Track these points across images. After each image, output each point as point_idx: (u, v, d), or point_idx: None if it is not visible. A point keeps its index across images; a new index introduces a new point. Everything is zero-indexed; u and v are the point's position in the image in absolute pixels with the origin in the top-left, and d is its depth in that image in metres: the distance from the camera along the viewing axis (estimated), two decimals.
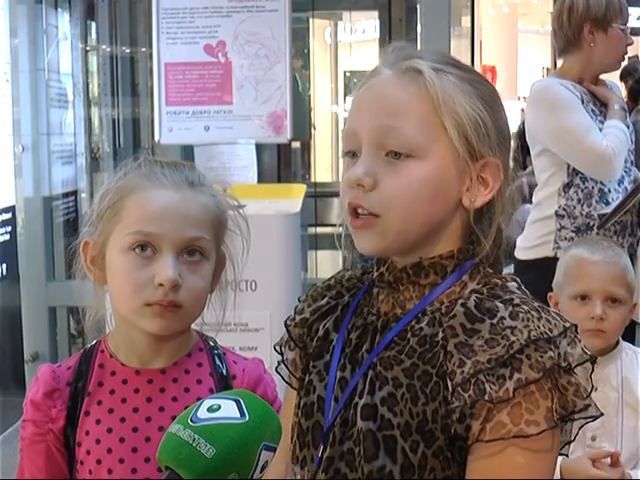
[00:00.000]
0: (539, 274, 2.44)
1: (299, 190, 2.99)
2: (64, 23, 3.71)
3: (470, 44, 4.80)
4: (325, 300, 1.24)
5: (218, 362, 1.47)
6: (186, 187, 1.41)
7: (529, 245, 3.07)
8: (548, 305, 2.14)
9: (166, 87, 3.11)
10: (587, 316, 2.14)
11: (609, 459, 2.04)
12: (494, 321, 1.07)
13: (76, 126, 3.80)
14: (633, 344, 2.36)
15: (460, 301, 1.11)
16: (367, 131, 1.13)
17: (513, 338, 1.05)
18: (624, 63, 3.21)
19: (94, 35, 4.17)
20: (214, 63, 3.08)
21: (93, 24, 4.13)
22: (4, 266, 3.71)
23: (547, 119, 2.98)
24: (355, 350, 1.17)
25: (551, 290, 2.26)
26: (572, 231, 2.96)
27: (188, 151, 3.19)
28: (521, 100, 8.87)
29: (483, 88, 1.16)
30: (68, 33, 3.73)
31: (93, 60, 4.21)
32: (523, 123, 3.33)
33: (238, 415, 1.14)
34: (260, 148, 3.22)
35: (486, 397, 1.04)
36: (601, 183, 2.97)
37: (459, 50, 4.52)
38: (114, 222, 1.40)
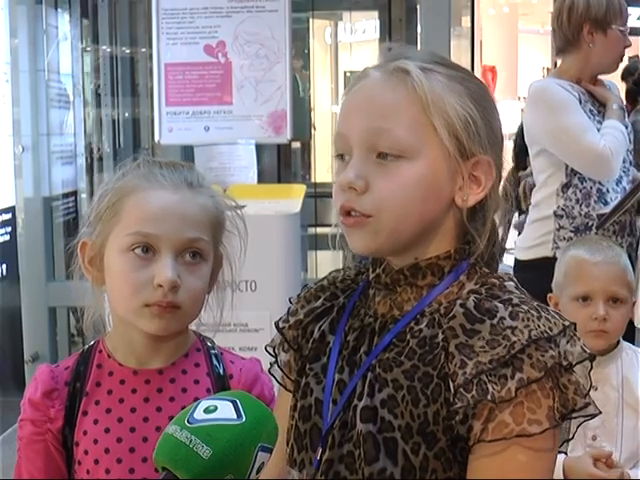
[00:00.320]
0: (538, 274, 2.44)
1: (299, 190, 2.99)
2: (64, 23, 3.71)
3: (470, 44, 4.80)
4: (320, 302, 1.24)
5: (215, 362, 1.48)
6: (185, 188, 1.41)
7: (528, 245, 3.07)
8: (548, 305, 2.15)
9: (166, 87, 3.11)
10: (589, 317, 2.14)
11: (616, 452, 2.05)
12: (494, 321, 1.07)
13: (76, 126, 3.80)
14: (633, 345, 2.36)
15: (459, 302, 1.11)
16: (357, 134, 1.13)
17: (514, 338, 1.05)
18: (622, 64, 3.21)
19: (94, 35, 4.17)
20: (214, 63, 3.08)
21: (93, 24, 4.13)
22: (4, 266, 3.72)
23: (545, 119, 2.98)
24: (353, 352, 1.17)
25: (550, 290, 2.26)
26: (571, 231, 2.96)
27: (188, 151, 3.19)
28: (521, 100, 8.86)
29: (472, 86, 1.15)
30: (68, 33, 3.73)
31: (93, 60, 4.21)
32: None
33: (235, 416, 1.14)
34: (260, 148, 3.22)
35: (489, 397, 1.04)
36: (599, 183, 2.97)
37: (459, 50, 4.52)
38: (113, 223, 1.40)
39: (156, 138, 3.16)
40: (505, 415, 1.04)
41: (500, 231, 1.21)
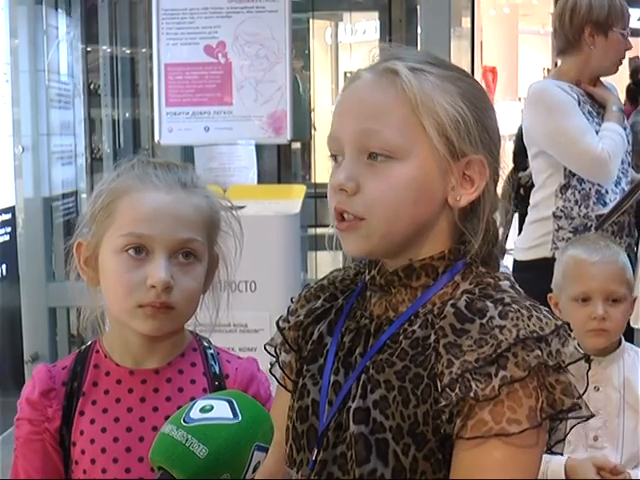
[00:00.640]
0: (537, 274, 2.44)
1: (299, 191, 2.99)
2: (64, 24, 3.70)
3: (470, 45, 4.80)
4: (319, 302, 1.24)
5: (211, 362, 1.48)
6: (179, 188, 1.41)
7: (527, 246, 3.08)
8: (548, 305, 2.15)
9: (166, 88, 3.11)
10: (589, 317, 2.14)
11: (618, 453, 2.05)
12: (484, 321, 1.07)
13: (76, 127, 3.80)
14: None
15: (451, 302, 1.10)
16: (348, 135, 1.13)
17: (501, 337, 1.05)
18: (621, 67, 3.21)
19: (94, 36, 4.17)
20: (214, 64, 3.08)
21: (93, 25, 4.13)
22: (4, 266, 3.71)
23: (543, 121, 2.99)
24: (348, 354, 1.17)
25: (550, 290, 2.26)
26: (570, 232, 2.97)
27: (188, 152, 3.19)
28: (521, 101, 8.87)
29: (465, 85, 1.15)
30: (68, 34, 3.73)
31: (93, 61, 4.21)
32: None
33: (231, 415, 1.15)
34: (260, 149, 3.21)
35: (471, 394, 1.03)
36: (598, 185, 2.97)
37: (459, 51, 4.52)
38: (107, 223, 1.40)
39: (156, 138, 3.16)
40: (485, 413, 1.04)
41: (500, 231, 1.20)
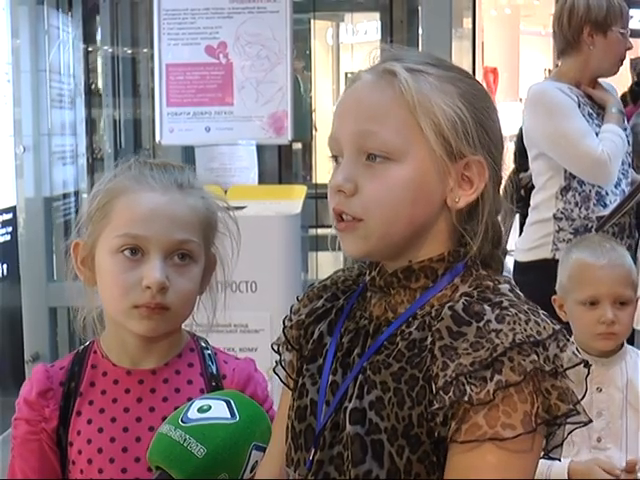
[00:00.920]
0: (538, 275, 2.45)
1: (300, 191, 2.99)
2: (66, 24, 3.70)
3: (472, 46, 4.79)
4: (321, 302, 1.24)
5: (209, 362, 1.48)
6: (175, 189, 1.41)
7: (527, 247, 3.08)
8: (549, 306, 2.15)
9: (167, 88, 3.11)
10: (597, 320, 2.15)
11: (623, 464, 2.05)
12: (480, 324, 1.06)
13: (77, 127, 3.80)
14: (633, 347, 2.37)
15: (448, 304, 1.10)
16: (347, 137, 1.13)
17: (497, 341, 1.04)
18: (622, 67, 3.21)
19: (96, 36, 4.17)
20: (215, 64, 3.08)
21: (95, 25, 4.13)
22: (5, 266, 3.71)
23: (543, 124, 2.99)
24: (347, 354, 1.17)
25: (550, 291, 2.26)
26: (570, 233, 2.97)
27: (189, 152, 3.19)
28: (523, 102, 8.87)
29: (464, 85, 1.15)
30: (70, 34, 3.73)
31: (95, 61, 4.21)
32: None
33: (228, 415, 1.15)
34: (261, 149, 3.21)
35: (465, 398, 1.03)
36: (598, 186, 2.98)
37: (460, 52, 4.51)
38: (103, 224, 1.41)
39: (157, 139, 3.16)
40: (479, 417, 1.04)
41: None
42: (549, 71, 11.16)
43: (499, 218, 1.18)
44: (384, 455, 1.09)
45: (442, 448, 1.08)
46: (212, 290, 1.50)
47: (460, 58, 4.24)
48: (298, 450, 1.18)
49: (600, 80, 3.12)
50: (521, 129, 3.84)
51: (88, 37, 4.01)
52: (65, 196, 3.68)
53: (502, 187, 1.21)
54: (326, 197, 1.17)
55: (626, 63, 3.54)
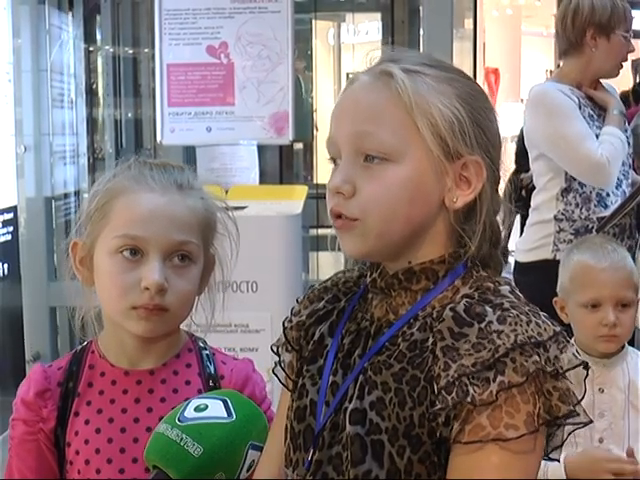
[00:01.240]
0: (538, 276, 2.45)
1: (301, 191, 2.99)
2: (67, 23, 3.70)
3: (473, 46, 4.79)
4: (322, 303, 1.24)
5: (207, 362, 1.48)
6: (174, 190, 1.41)
7: (528, 247, 3.08)
8: (550, 307, 2.15)
9: (168, 88, 3.11)
10: (599, 323, 2.15)
11: (624, 454, 2.05)
12: (482, 325, 1.07)
13: (78, 126, 3.80)
14: (633, 347, 2.37)
15: (450, 306, 1.10)
16: (345, 138, 1.13)
17: (499, 342, 1.05)
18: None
19: (97, 36, 4.17)
20: (216, 64, 3.08)
21: (96, 25, 4.13)
22: (5, 266, 3.71)
23: (544, 125, 2.99)
24: (348, 355, 1.17)
25: (550, 292, 2.26)
26: (571, 234, 2.97)
27: (190, 152, 3.19)
28: (524, 103, 8.86)
29: (461, 86, 1.15)
30: (71, 33, 3.73)
31: (96, 61, 4.21)
32: None
33: (225, 415, 1.15)
34: (262, 149, 3.21)
35: (468, 399, 1.04)
36: (599, 187, 2.97)
37: (462, 52, 4.51)
38: (102, 224, 1.40)
39: (158, 139, 3.16)
40: (482, 418, 1.04)
41: (503, 232, 1.20)
42: (550, 72, 11.17)
43: (498, 218, 1.19)
44: (384, 455, 1.09)
45: (443, 448, 1.08)
46: (211, 290, 1.50)
47: (461, 59, 4.24)
48: (297, 450, 1.18)
49: (601, 81, 3.12)
50: (522, 130, 3.84)
51: (89, 37, 4.01)
52: (66, 196, 3.68)
53: (503, 187, 1.21)
54: None
55: (627, 64, 3.54)
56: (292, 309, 1.29)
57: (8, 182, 3.53)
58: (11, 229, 3.70)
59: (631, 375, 2.18)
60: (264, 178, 3.28)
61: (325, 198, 1.18)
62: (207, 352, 1.50)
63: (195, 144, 3.10)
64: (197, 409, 1.16)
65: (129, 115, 4.22)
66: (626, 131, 3.05)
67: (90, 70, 4.11)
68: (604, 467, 2.02)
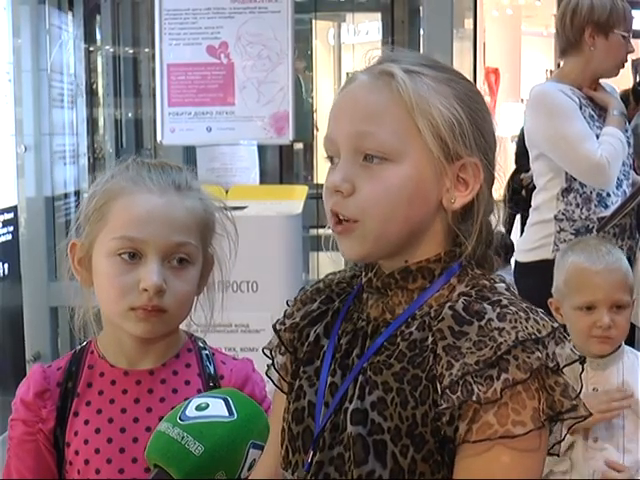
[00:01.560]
0: (539, 276, 2.45)
1: (301, 191, 2.99)
2: (67, 23, 3.70)
3: (473, 46, 4.79)
4: (316, 305, 1.24)
5: (206, 362, 1.48)
6: (172, 191, 1.41)
7: (528, 247, 3.08)
8: (549, 310, 2.15)
9: (168, 88, 3.11)
10: (594, 325, 2.15)
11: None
12: (482, 323, 1.07)
13: (78, 126, 3.80)
14: (633, 346, 2.37)
15: (448, 304, 1.11)
16: (344, 137, 1.13)
17: (500, 339, 1.05)
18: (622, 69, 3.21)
19: (97, 36, 4.17)
20: (216, 64, 3.08)
21: (96, 24, 4.13)
22: (6, 266, 3.71)
23: (544, 125, 2.99)
24: (345, 355, 1.17)
25: (550, 291, 2.26)
26: (571, 233, 2.97)
27: (190, 152, 3.19)
28: (524, 102, 8.87)
29: (460, 88, 1.15)
30: (71, 33, 3.73)
31: (96, 61, 4.21)
32: None
33: (226, 414, 1.15)
34: (262, 149, 3.21)
35: (474, 398, 1.04)
36: (599, 188, 2.98)
37: (462, 52, 4.51)
38: (100, 225, 1.40)
39: (158, 138, 3.16)
40: (489, 416, 1.04)
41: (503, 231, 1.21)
42: (550, 72, 11.18)
43: (492, 218, 1.19)
44: (387, 455, 1.09)
45: (447, 447, 1.08)
46: (210, 290, 1.50)
47: (461, 59, 4.24)
48: (296, 452, 1.18)
49: (602, 82, 3.12)
50: (522, 130, 3.84)
51: (89, 37, 4.01)
52: (66, 196, 3.68)
53: (503, 187, 1.21)
54: None
55: (627, 64, 3.54)
56: (285, 311, 1.29)
57: (8, 182, 3.53)
58: (11, 229, 3.70)
59: (625, 375, 2.18)
60: (264, 178, 3.28)
61: None
62: (207, 352, 1.50)
63: (195, 144, 3.10)
64: (198, 408, 1.16)
65: (129, 115, 4.23)
66: (627, 131, 3.05)
67: (90, 70, 4.11)
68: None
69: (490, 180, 1.17)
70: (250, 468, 1.18)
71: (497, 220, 1.20)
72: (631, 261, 2.88)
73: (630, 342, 2.36)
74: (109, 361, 1.46)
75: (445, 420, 1.07)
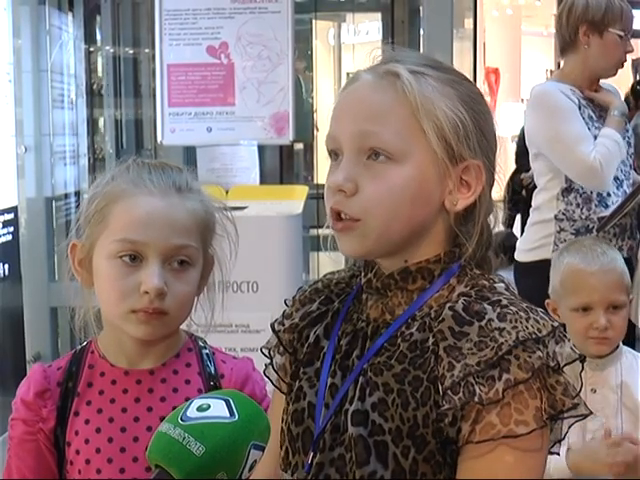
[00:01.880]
0: (539, 276, 2.44)
1: (301, 192, 2.99)
2: (67, 24, 3.71)
3: (473, 46, 4.79)
4: (315, 305, 1.24)
5: (207, 362, 1.48)
6: (173, 193, 1.41)
7: (528, 247, 3.08)
8: (546, 310, 2.15)
9: (169, 88, 3.11)
10: (591, 326, 2.15)
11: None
12: (482, 323, 1.07)
13: (79, 127, 3.80)
14: (633, 347, 2.37)
15: (448, 305, 1.11)
16: (347, 136, 1.13)
17: (501, 340, 1.05)
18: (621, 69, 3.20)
19: (97, 36, 4.17)
20: (216, 64, 3.09)
21: (96, 25, 4.13)
22: (6, 266, 3.71)
23: (543, 125, 2.99)
24: (345, 356, 1.17)
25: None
26: (572, 233, 2.97)
27: (190, 152, 3.19)
28: (524, 102, 8.86)
29: (464, 89, 1.15)
30: (71, 34, 3.73)
31: (96, 61, 4.21)
32: None
33: (227, 414, 1.15)
34: (262, 149, 3.22)
35: (476, 399, 1.04)
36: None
37: (462, 52, 4.51)
38: (101, 227, 1.40)
39: (159, 139, 3.16)
40: (492, 416, 1.05)
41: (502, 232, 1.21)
42: (551, 72, 11.17)
43: (491, 219, 1.19)
44: (388, 456, 1.09)
45: (448, 448, 1.09)
46: (210, 291, 1.50)
47: (461, 59, 4.24)
48: (295, 453, 1.18)
49: (603, 82, 3.12)
50: (522, 129, 3.84)
51: (89, 37, 4.01)
52: (66, 196, 3.68)
53: (503, 187, 1.21)
54: None
55: (627, 64, 3.53)
56: (284, 312, 1.29)
57: (8, 182, 3.53)
58: (11, 229, 3.70)
59: (624, 376, 2.18)
60: (264, 178, 3.28)
61: None
62: (207, 351, 1.50)
63: (195, 144, 3.11)
64: (199, 409, 1.16)
65: (129, 115, 4.23)
66: (627, 131, 3.04)
67: (90, 70, 4.11)
68: (604, 452, 2.02)
69: (491, 182, 1.17)
70: (251, 469, 1.18)
71: (495, 221, 1.20)
72: (632, 261, 2.89)
73: (630, 341, 2.35)
74: (109, 361, 1.46)
75: (447, 421, 1.07)
